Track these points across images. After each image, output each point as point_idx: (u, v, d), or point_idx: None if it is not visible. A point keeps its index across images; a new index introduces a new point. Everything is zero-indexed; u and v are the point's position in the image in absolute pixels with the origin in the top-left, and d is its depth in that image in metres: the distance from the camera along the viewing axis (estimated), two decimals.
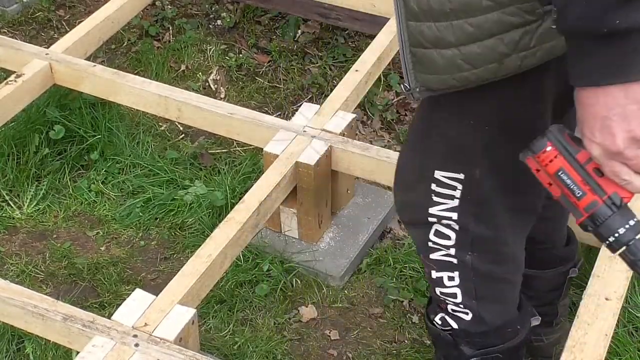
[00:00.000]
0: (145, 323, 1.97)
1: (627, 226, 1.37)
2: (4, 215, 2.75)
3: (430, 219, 1.72)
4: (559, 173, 1.37)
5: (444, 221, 1.71)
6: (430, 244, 1.76)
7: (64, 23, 3.56)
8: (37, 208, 2.78)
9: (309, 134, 2.48)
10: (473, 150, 1.60)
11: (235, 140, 2.91)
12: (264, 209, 2.31)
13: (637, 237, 1.38)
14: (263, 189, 2.32)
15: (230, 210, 2.29)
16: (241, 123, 2.55)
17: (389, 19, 2.90)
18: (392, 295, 2.54)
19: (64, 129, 2.90)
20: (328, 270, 2.57)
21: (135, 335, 1.94)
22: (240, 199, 2.32)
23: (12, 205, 2.78)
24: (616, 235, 1.37)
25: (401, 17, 1.45)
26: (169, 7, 3.56)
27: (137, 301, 2.02)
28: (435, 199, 1.68)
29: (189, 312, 1.99)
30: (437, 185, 1.67)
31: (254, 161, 2.86)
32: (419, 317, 2.49)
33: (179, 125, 3.08)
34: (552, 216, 1.98)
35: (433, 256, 1.78)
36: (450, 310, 1.85)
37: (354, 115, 2.57)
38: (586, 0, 1.15)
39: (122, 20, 3.03)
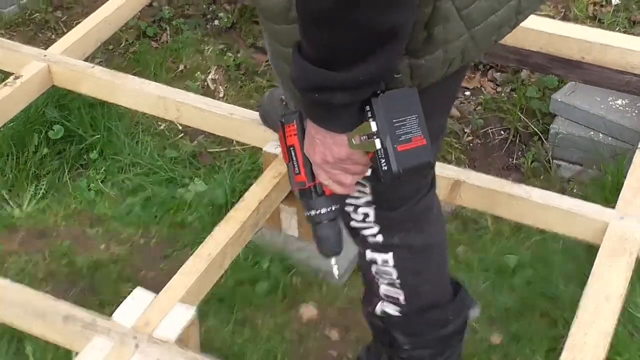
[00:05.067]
0: (146, 323, 1.97)
1: (320, 211, 1.68)
2: (4, 214, 2.75)
3: (347, 208, 1.81)
4: (290, 148, 1.65)
5: (361, 209, 1.79)
6: (354, 225, 1.83)
7: (62, 24, 3.56)
8: (36, 207, 2.78)
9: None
10: None
11: (235, 140, 2.91)
12: (264, 207, 2.31)
13: (324, 221, 1.69)
14: (263, 188, 2.32)
15: (231, 208, 2.29)
16: (241, 123, 2.54)
17: None
18: None
19: (63, 128, 2.91)
20: (328, 269, 2.56)
21: (135, 336, 1.94)
22: (240, 197, 2.32)
23: (12, 205, 2.78)
24: (310, 214, 1.69)
25: (269, 39, 1.55)
26: (166, 7, 3.56)
27: (137, 300, 2.02)
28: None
29: (189, 312, 1.99)
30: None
31: (253, 160, 2.86)
32: None
33: (178, 124, 3.08)
34: None
35: (369, 240, 1.84)
36: (382, 295, 1.90)
37: None
38: (299, 70, 1.37)
39: (120, 21, 3.03)
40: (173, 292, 2.04)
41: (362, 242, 1.85)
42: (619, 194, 2.31)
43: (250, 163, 2.84)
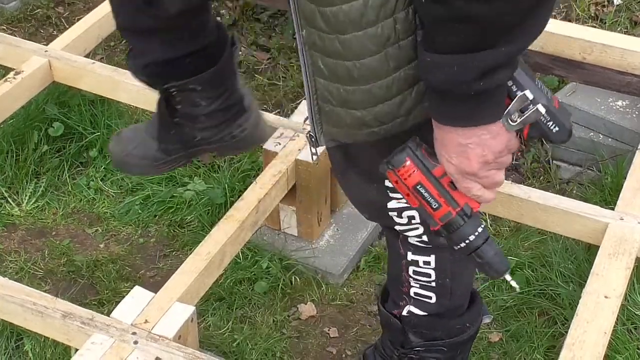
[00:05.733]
0: (145, 320, 1.97)
1: (476, 234, 1.54)
2: (3, 212, 2.75)
3: (391, 213, 1.74)
4: (417, 187, 1.49)
5: (406, 213, 1.72)
6: (399, 228, 1.77)
7: (63, 20, 3.56)
8: (36, 205, 2.78)
9: (309, 131, 2.47)
10: None
11: None
12: (263, 206, 2.31)
13: (483, 243, 1.55)
14: (262, 187, 2.32)
15: (230, 207, 2.29)
16: None
17: None
18: None
19: (63, 126, 2.90)
20: (327, 268, 2.57)
21: (134, 333, 1.94)
22: (239, 196, 2.32)
23: (11, 202, 2.78)
24: (467, 241, 1.54)
25: (308, 71, 1.46)
26: None
27: (136, 298, 2.02)
28: (391, 194, 1.70)
29: (188, 310, 1.99)
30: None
31: (252, 159, 2.86)
32: None
33: None
34: None
35: (411, 240, 1.80)
36: (412, 295, 1.88)
37: None
38: (456, 67, 1.28)
39: None
40: (172, 291, 2.05)
41: (404, 244, 1.82)
42: (618, 195, 2.31)
43: (250, 162, 2.84)
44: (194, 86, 2.05)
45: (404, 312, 1.92)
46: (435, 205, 1.50)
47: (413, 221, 1.75)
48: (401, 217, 1.75)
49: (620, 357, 2.23)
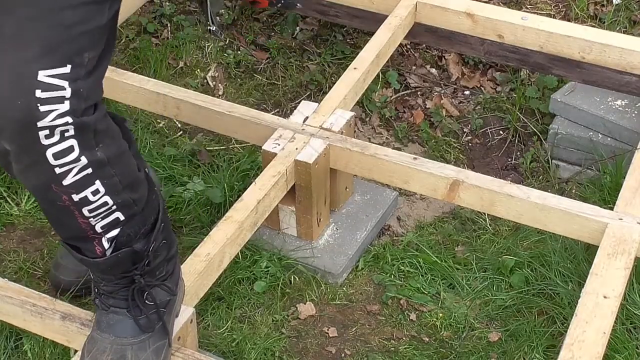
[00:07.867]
0: None
1: None
2: (2, 211, 2.75)
3: (42, 133, 1.54)
4: None
5: (59, 129, 1.54)
6: (57, 170, 1.58)
7: None
8: (35, 205, 2.77)
9: (307, 132, 2.48)
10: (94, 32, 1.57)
11: (234, 138, 2.91)
12: (262, 207, 2.31)
13: None
14: (261, 188, 2.32)
15: (229, 207, 2.29)
16: (240, 121, 2.54)
17: (387, 15, 2.90)
18: (390, 293, 2.54)
19: None
20: (326, 268, 2.57)
21: None
22: (238, 196, 2.32)
23: (10, 202, 2.78)
24: None
25: None
26: (167, 4, 3.56)
27: None
28: (42, 108, 1.52)
29: (187, 311, 1.99)
30: (42, 91, 1.51)
31: (252, 158, 2.86)
32: (417, 315, 2.50)
33: (177, 122, 3.08)
34: None
35: (67, 182, 1.60)
36: (100, 230, 1.69)
37: (352, 114, 2.57)
38: None
39: (121, 17, 3.00)
40: None
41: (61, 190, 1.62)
42: (617, 194, 2.32)
43: (249, 162, 2.84)
44: None
45: (106, 245, 1.72)
46: None
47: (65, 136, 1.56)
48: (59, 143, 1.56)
49: (620, 357, 2.23)
